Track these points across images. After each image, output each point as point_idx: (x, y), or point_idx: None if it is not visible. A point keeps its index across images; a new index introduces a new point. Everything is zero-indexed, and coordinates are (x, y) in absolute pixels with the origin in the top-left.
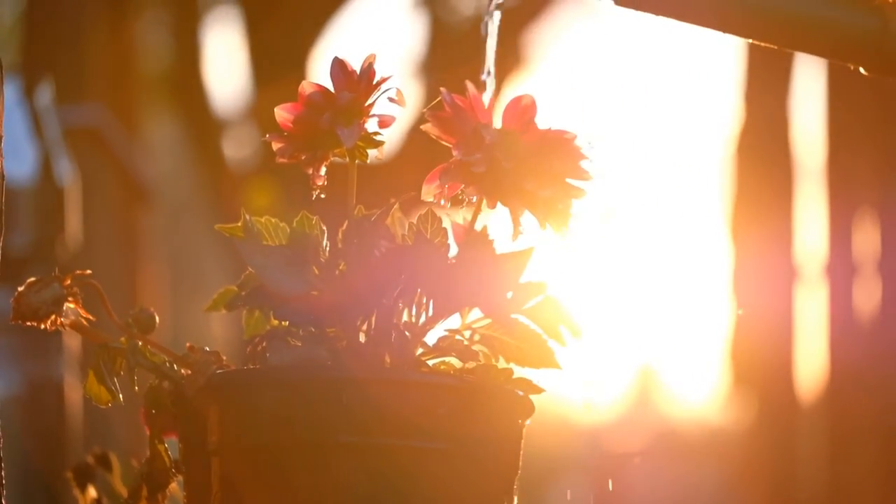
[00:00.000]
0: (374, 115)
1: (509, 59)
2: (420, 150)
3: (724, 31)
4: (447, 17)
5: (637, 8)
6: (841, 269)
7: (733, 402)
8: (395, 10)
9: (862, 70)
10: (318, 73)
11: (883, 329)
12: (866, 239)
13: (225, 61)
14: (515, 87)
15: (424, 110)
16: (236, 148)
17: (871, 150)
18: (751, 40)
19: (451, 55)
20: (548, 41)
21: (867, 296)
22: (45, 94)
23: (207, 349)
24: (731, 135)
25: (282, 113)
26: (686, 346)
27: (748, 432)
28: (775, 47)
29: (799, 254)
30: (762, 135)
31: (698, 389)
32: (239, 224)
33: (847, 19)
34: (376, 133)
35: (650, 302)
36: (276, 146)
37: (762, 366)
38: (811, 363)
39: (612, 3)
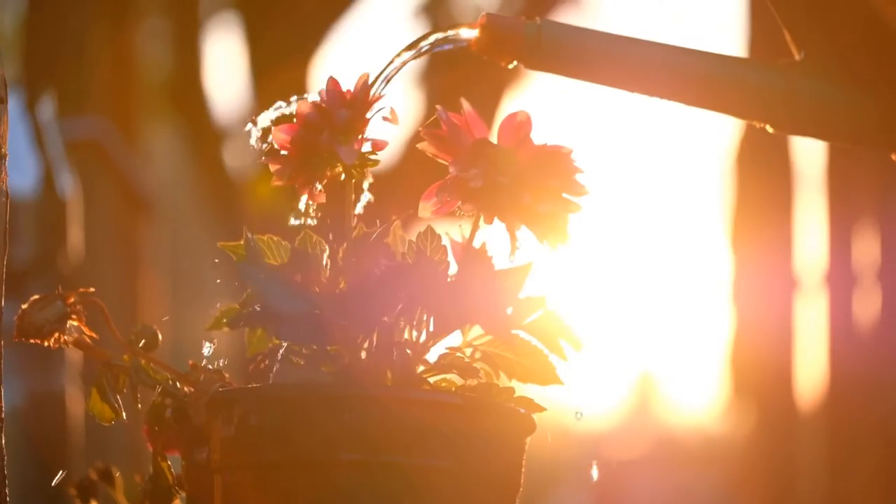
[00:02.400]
0: (370, 134)
1: (509, 71)
2: (420, 159)
3: (634, 91)
4: (447, 25)
5: (547, 70)
6: (841, 278)
7: (733, 411)
8: (396, 18)
9: (769, 128)
10: (319, 81)
11: (883, 338)
12: (866, 248)
13: (226, 71)
14: (513, 97)
15: (421, 128)
16: (237, 158)
17: (870, 158)
18: (660, 100)
19: (450, 63)
20: None
21: (867, 305)
22: (46, 108)
23: (210, 367)
24: (732, 144)
25: (279, 134)
26: (686, 354)
27: (747, 440)
28: (685, 106)
29: (799, 263)
30: (762, 143)
31: (698, 397)
32: (240, 242)
33: (752, 79)
34: (372, 152)
35: (650, 310)
36: (273, 168)
37: (762, 374)
38: (811, 372)
39: (523, 66)
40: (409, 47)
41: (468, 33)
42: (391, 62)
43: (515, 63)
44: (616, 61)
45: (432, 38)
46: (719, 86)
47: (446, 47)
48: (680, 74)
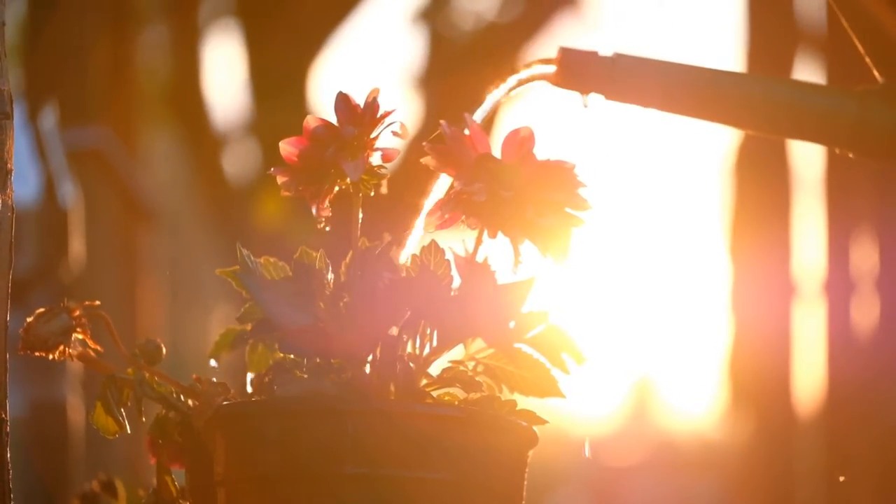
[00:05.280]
0: (377, 149)
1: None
2: (420, 165)
3: (711, 120)
4: (446, 31)
5: (622, 101)
6: (839, 284)
7: (731, 417)
8: (395, 24)
9: (850, 154)
10: (319, 88)
11: (881, 345)
12: (865, 255)
13: (227, 79)
14: (511, 104)
15: (424, 143)
16: (239, 166)
17: (869, 164)
18: (738, 129)
19: (449, 69)
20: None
21: (865, 311)
22: (48, 118)
23: (214, 380)
24: (730, 147)
25: (286, 147)
26: (684, 360)
27: (746, 447)
28: (761, 134)
29: (797, 269)
30: (760, 149)
31: (696, 403)
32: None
33: (827, 106)
34: (380, 166)
35: (648, 315)
36: (280, 179)
37: (760, 381)
38: (809, 378)
39: (603, 98)
40: (494, 91)
41: (545, 69)
42: (482, 106)
43: (592, 95)
44: (689, 91)
45: (513, 79)
46: (794, 114)
47: (535, 83)
48: (756, 103)
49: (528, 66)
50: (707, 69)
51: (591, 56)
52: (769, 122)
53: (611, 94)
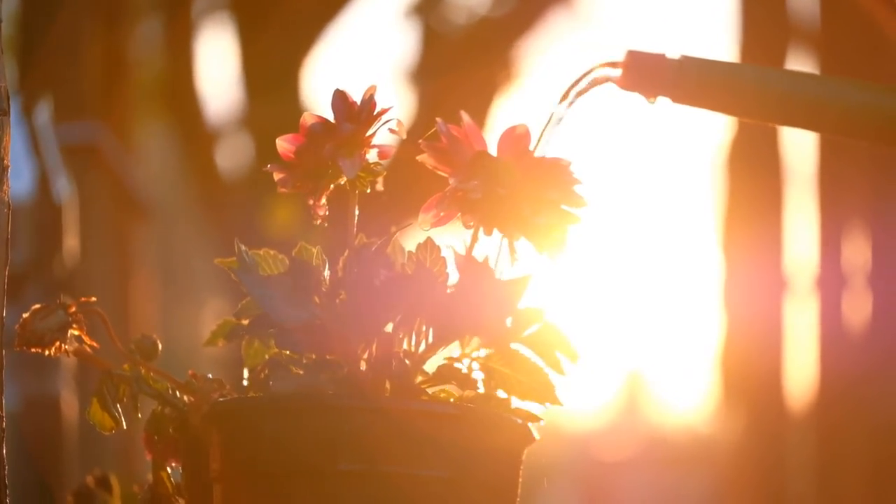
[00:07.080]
0: (374, 146)
1: (501, 73)
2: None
3: (781, 123)
4: (438, 26)
5: (691, 104)
6: (831, 279)
7: (723, 412)
8: (388, 19)
9: None
10: (312, 83)
11: (873, 340)
12: (857, 250)
13: (220, 74)
14: (508, 101)
15: (420, 141)
16: (232, 160)
17: (862, 158)
18: (809, 131)
19: (442, 63)
20: (540, 54)
21: (857, 307)
22: (42, 113)
23: (210, 376)
24: (723, 142)
25: (283, 143)
26: (676, 355)
27: (737, 442)
28: (825, 135)
29: (789, 264)
30: (753, 142)
31: (688, 398)
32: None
33: (889, 105)
34: (377, 163)
35: (640, 310)
36: (277, 176)
37: (752, 376)
38: (801, 374)
39: (670, 101)
40: (562, 100)
41: (612, 72)
42: (549, 118)
43: (659, 98)
44: (759, 94)
45: (583, 83)
46: (870, 115)
47: (601, 86)
48: (828, 105)
49: (595, 69)
50: (776, 70)
51: (659, 59)
52: (842, 125)
53: (678, 98)
